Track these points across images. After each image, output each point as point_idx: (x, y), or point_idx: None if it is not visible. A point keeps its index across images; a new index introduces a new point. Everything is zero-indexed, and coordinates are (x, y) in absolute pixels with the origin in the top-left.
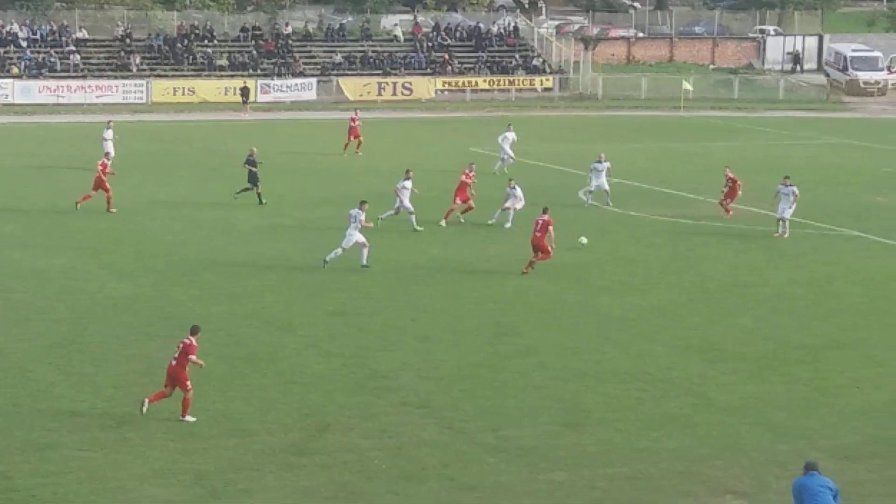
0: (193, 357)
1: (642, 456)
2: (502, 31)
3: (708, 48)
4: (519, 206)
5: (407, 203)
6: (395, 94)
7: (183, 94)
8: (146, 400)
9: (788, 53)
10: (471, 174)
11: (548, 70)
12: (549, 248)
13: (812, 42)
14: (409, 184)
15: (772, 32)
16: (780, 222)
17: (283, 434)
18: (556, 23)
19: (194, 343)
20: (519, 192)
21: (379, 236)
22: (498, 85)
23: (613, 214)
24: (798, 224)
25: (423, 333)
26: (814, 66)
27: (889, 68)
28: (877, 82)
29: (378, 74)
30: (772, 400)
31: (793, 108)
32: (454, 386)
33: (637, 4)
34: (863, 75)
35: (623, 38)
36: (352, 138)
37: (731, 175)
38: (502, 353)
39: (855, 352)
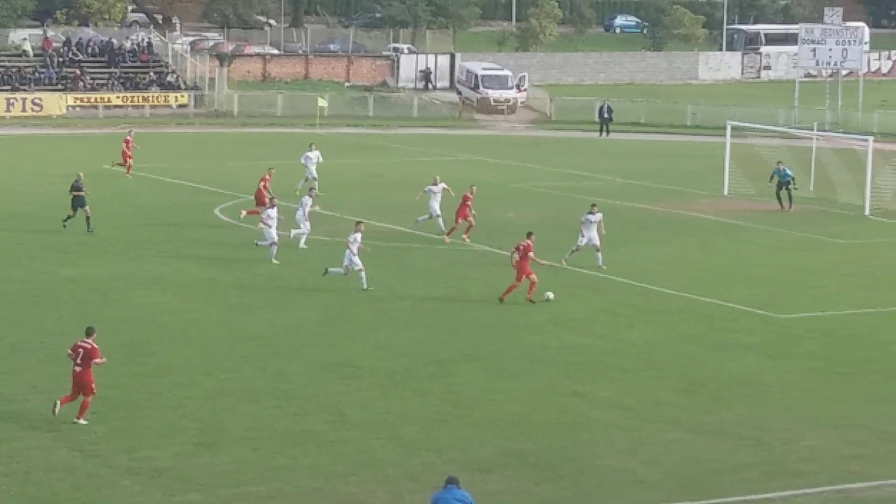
0: (98, 360)
1: (278, 474)
2: (136, 46)
3: (343, 66)
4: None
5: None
6: (24, 110)
7: None
8: (57, 401)
9: (421, 72)
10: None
11: (183, 86)
12: (531, 273)
13: (444, 60)
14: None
15: (405, 51)
16: (596, 253)
17: None
18: (191, 39)
19: (96, 346)
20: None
21: (6, 255)
22: (131, 101)
23: (248, 232)
24: (431, 240)
25: (53, 355)
26: (447, 84)
27: (518, 87)
28: (507, 100)
29: (6, 90)
30: (406, 414)
31: (426, 125)
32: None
33: (272, 22)
34: (493, 93)
35: (259, 55)
36: (127, 159)
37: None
38: (136, 373)
39: (487, 364)
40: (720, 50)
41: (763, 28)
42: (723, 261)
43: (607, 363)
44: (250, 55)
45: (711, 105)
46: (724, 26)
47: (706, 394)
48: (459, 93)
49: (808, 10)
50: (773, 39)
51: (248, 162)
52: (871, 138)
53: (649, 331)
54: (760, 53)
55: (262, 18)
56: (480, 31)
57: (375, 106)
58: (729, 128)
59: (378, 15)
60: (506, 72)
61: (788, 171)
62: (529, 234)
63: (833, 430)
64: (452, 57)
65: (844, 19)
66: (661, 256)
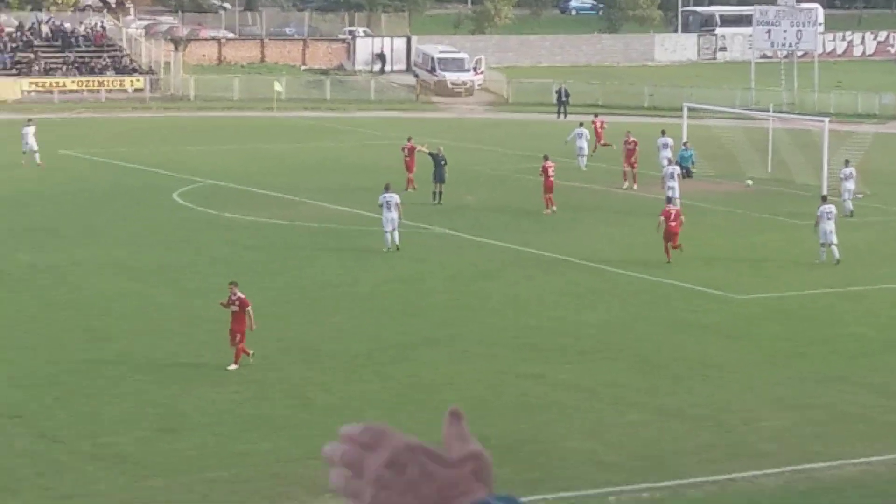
0: (250, 309)
1: (239, 459)
2: (90, 31)
3: (299, 49)
4: None
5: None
6: None
7: None
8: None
9: (377, 55)
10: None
11: (138, 71)
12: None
13: (400, 43)
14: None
15: (361, 34)
16: (825, 248)
17: None
18: (146, 23)
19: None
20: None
21: None
22: (87, 86)
23: (207, 216)
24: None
25: (12, 341)
26: (403, 66)
27: (475, 69)
28: (464, 83)
29: None
30: (367, 398)
31: (384, 108)
32: (47, 394)
33: (227, 5)
34: (450, 76)
35: (214, 38)
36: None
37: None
38: (96, 358)
39: (447, 348)
40: (676, 32)
41: (718, 10)
42: (681, 242)
43: (565, 345)
44: (205, 39)
45: (668, 87)
46: (680, 8)
47: (665, 375)
48: (416, 75)
49: None
50: (728, 21)
51: (205, 146)
52: (826, 119)
53: (606, 312)
54: (716, 35)
55: (217, 2)
56: (436, 13)
57: (332, 89)
58: (685, 109)
59: None
60: (462, 54)
61: (690, 155)
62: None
63: (793, 411)
64: (409, 40)
65: (798, 1)
66: (618, 237)
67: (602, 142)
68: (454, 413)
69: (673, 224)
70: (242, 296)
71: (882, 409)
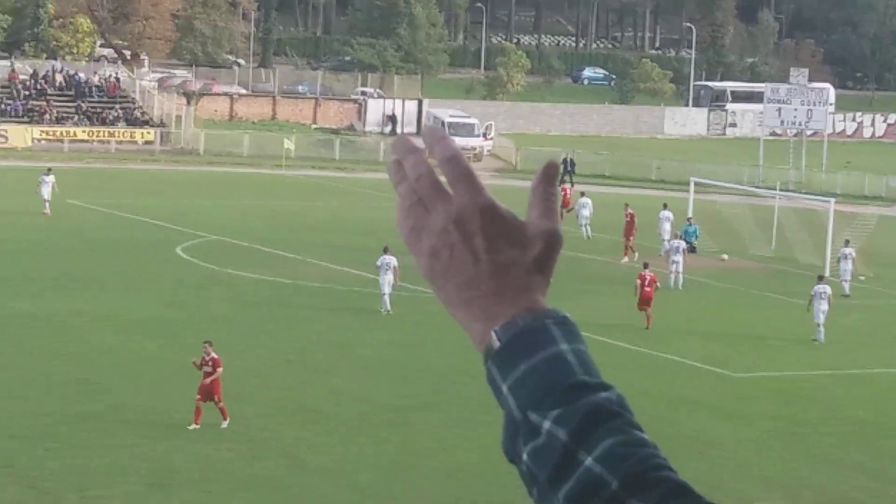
0: (220, 370)
1: None
2: (103, 81)
3: (310, 108)
4: None
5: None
6: None
7: None
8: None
9: (388, 116)
10: None
11: (149, 123)
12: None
13: (412, 106)
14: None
15: (373, 95)
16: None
17: None
18: (160, 76)
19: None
20: None
21: None
22: (97, 136)
23: (209, 271)
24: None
25: (8, 390)
26: (413, 129)
27: (485, 135)
28: (473, 148)
29: None
30: (361, 461)
31: None
32: (39, 444)
33: (241, 61)
34: (460, 141)
35: (226, 94)
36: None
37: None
38: (90, 410)
39: (443, 413)
40: (687, 105)
41: (730, 85)
42: (681, 316)
43: None
44: (218, 94)
45: (676, 160)
46: (692, 82)
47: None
48: None
49: (775, 69)
50: (739, 97)
51: (212, 201)
52: (832, 200)
53: None
54: (726, 110)
55: (231, 58)
56: (449, 77)
57: (342, 149)
58: (692, 184)
59: (347, 58)
60: (472, 120)
61: (694, 230)
62: (646, 265)
63: (785, 493)
64: (420, 103)
65: (810, 80)
66: (619, 310)
67: (568, 208)
68: (549, 168)
69: (648, 290)
70: (216, 356)
71: (874, 494)
